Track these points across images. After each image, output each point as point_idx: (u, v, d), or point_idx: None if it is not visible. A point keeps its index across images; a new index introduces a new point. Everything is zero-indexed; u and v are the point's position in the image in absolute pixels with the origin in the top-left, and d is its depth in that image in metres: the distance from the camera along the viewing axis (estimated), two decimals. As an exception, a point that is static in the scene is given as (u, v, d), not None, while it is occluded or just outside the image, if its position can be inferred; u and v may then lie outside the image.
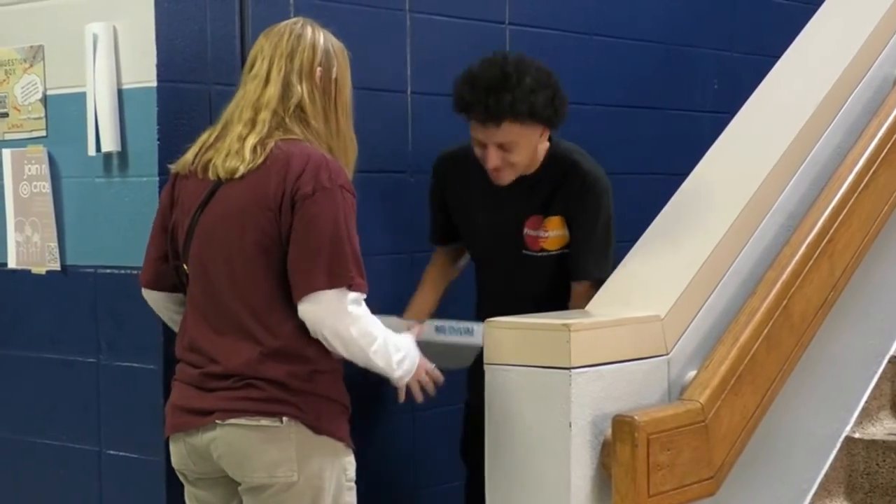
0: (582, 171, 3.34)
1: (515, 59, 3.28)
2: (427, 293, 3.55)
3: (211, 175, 2.77)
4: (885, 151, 3.26)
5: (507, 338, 2.74)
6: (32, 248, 3.37)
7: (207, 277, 2.77)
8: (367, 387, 3.52)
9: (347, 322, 2.67)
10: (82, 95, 3.27)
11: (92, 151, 3.26)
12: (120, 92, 3.24)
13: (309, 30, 2.86)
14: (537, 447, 2.68)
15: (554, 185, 3.36)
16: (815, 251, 3.05)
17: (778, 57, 3.51)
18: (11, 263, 3.46)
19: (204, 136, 2.87)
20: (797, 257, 3.03)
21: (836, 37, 3.47)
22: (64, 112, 3.35)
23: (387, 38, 3.67)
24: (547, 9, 3.53)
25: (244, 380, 2.66)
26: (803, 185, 3.21)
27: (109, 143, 3.22)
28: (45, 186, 3.34)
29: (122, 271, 3.26)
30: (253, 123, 2.76)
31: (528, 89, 3.20)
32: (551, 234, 3.35)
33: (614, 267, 3.18)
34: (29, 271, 3.37)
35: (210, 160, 2.78)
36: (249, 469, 2.69)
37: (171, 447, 2.88)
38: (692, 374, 2.86)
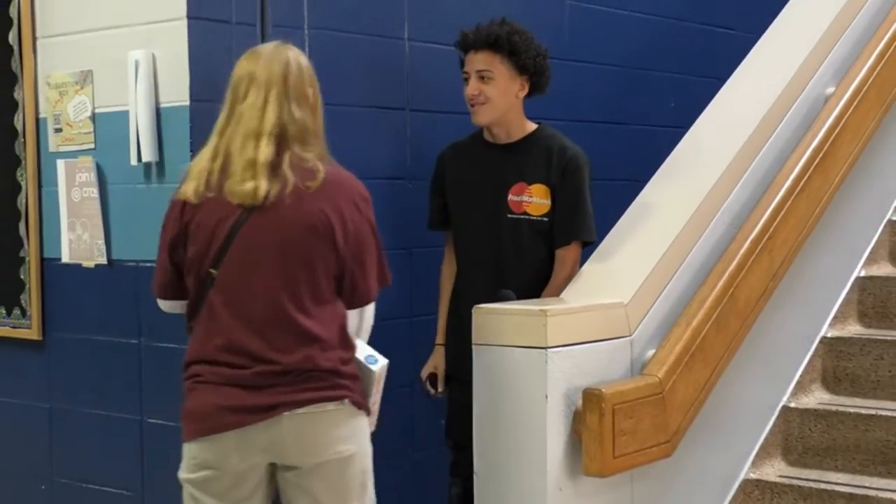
0: (567, 147, 3.33)
1: (515, 22, 3.32)
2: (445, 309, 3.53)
3: (236, 199, 2.59)
4: (817, 161, 3.29)
5: (492, 322, 2.76)
6: (83, 245, 3.38)
7: (249, 283, 2.62)
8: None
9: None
10: (125, 113, 3.28)
11: (134, 161, 3.27)
12: (158, 110, 3.25)
13: (292, 52, 2.73)
14: (518, 416, 2.69)
15: (539, 158, 3.33)
16: (757, 246, 3.07)
17: (726, 79, 3.52)
18: (65, 258, 3.48)
19: (204, 165, 2.66)
20: (742, 251, 3.05)
21: (776, 62, 3.49)
22: (110, 127, 3.36)
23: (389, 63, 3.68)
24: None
25: (304, 373, 2.58)
26: (747, 190, 3.23)
27: (149, 155, 3.24)
28: (94, 192, 3.36)
29: (146, 264, 3.23)
30: (262, 147, 2.61)
31: (515, 33, 3.26)
32: (535, 199, 3.30)
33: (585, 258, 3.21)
34: (80, 265, 3.38)
35: (234, 185, 2.60)
36: (316, 450, 2.63)
37: (201, 446, 2.64)
38: (651, 352, 2.88)
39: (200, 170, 2.64)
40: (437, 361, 3.46)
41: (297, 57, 2.73)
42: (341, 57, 3.52)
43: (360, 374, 2.73)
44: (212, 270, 2.63)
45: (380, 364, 2.75)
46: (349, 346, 2.69)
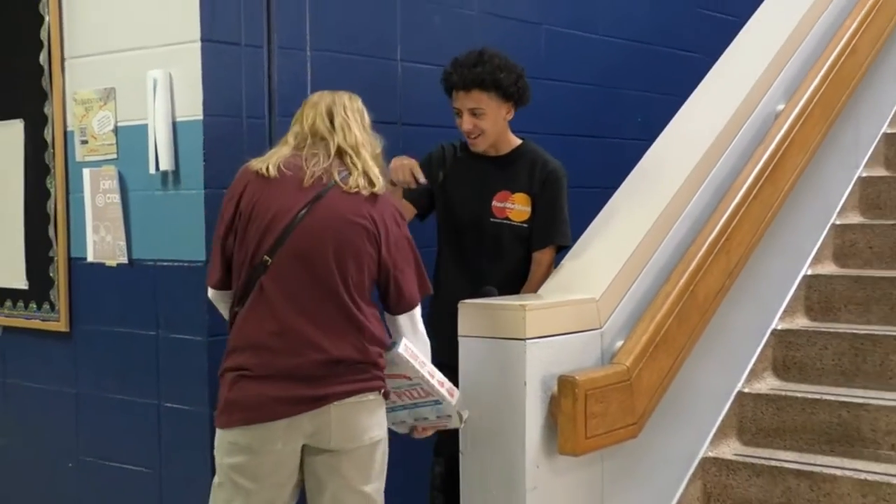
0: (548, 161, 3.33)
1: (490, 49, 3.27)
2: None
3: (310, 181, 2.59)
4: (768, 171, 3.28)
5: (477, 316, 2.75)
6: (106, 246, 3.36)
7: (315, 273, 2.56)
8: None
9: None
10: (145, 126, 3.26)
11: (152, 170, 3.26)
12: (174, 123, 3.23)
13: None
14: (500, 401, 2.68)
15: (523, 170, 3.32)
16: (714, 248, 3.07)
17: (687, 97, 3.51)
18: (90, 258, 3.46)
19: (280, 155, 2.67)
20: (701, 252, 3.04)
21: (731, 82, 3.49)
22: (130, 139, 3.34)
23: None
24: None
25: (353, 364, 2.56)
26: (706, 197, 3.22)
27: (166, 164, 3.22)
28: (116, 198, 3.34)
29: (176, 263, 3.26)
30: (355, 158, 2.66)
31: (495, 67, 3.21)
32: (517, 207, 3.29)
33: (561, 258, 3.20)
34: (103, 264, 3.36)
35: (321, 172, 2.61)
36: (355, 436, 2.60)
37: (244, 432, 2.57)
38: (620, 343, 2.87)
39: (283, 155, 2.70)
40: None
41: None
42: (340, 76, 3.50)
43: (395, 366, 2.70)
44: (265, 259, 2.58)
45: (399, 345, 2.69)
46: (385, 341, 2.65)
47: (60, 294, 3.55)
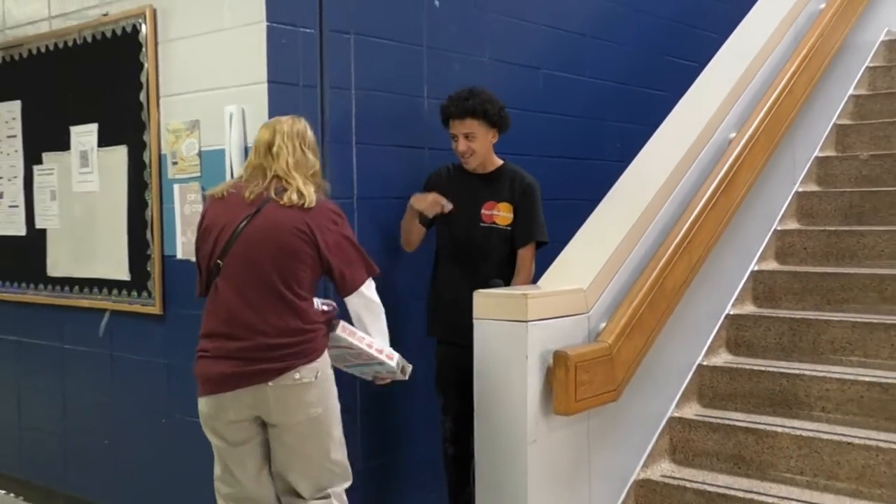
0: (525, 176, 3.39)
1: (478, 87, 3.34)
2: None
3: (251, 198, 2.65)
4: (723, 187, 3.26)
5: (489, 302, 2.74)
6: (191, 246, 3.34)
7: (257, 271, 2.60)
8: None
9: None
10: (223, 150, 3.27)
11: (229, 186, 3.25)
12: (245, 148, 3.22)
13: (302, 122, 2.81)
14: (506, 371, 2.68)
15: (505, 184, 3.37)
16: (680, 248, 3.05)
17: (657, 127, 3.50)
18: (179, 255, 3.47)
19: (230, 182, 2.80)
20: (669, 252, 3.02)
21: (694, 115, 3.47)
22: (211, 161, 3.34)
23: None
24: (510, 94, 3.51)
25: (291, 346, 2.60)
26: (673, 207, 3.20)
27: (240, 181, 3.22)
28: (199, 207, 3.32)
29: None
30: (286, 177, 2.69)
31: (483, 100, 3.28)
32: (501, 213, 3.35)
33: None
34: (189, 260, 3.34)
35: (260, 191, 2.66)
36: (292, 411, 2.64)
37: (207, 401, 2.66)
38: (603, 325, 2.86)
39: (230, 184, 2.84)
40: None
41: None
42: (378, 110, 3.51)
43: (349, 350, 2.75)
44: (218, 262, 2.64)
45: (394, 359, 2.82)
46: (320, 321, 2.67)
47: (155, 284, 3.57)
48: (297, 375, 2.59)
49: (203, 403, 2.68)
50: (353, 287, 2.73)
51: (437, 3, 3.73)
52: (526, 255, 3.34)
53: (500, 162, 3.43)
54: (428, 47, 3.70)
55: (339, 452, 2.75)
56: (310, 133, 2.80)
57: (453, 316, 3.16)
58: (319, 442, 2.69)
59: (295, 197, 2.63)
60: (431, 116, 3.62)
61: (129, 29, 3.60)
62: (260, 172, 2.70)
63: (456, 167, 3.44)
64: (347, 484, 2.80)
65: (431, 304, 3.46)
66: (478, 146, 3.31)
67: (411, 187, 3.52)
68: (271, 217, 2.62)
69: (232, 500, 2.73)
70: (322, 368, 2.66)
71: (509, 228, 3.34)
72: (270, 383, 2.57)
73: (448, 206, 3.30)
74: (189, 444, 3.18)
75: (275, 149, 2.70)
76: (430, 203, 3.29)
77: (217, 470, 2.75)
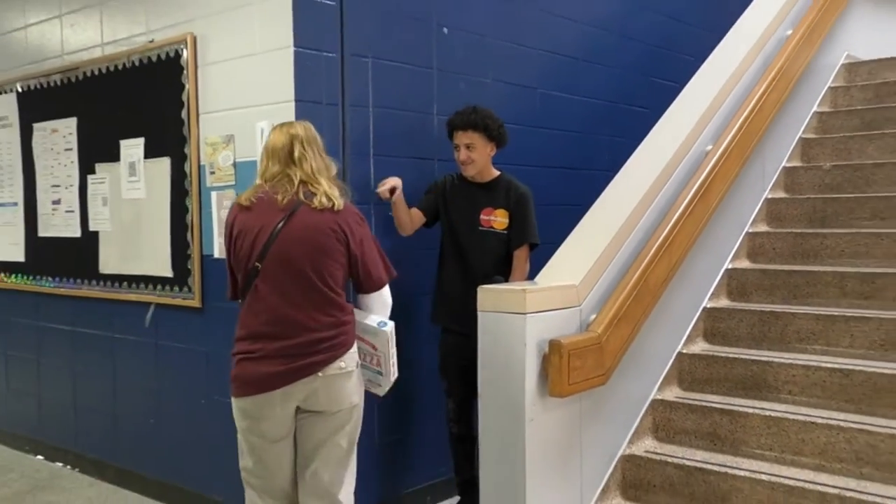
0: (519, 185, 3.41)
1: (481, 107, 3.38)
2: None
3: (283, 202, 2.51)
4: (700, 194, 3.25)
5: (491, 296, 2.73)
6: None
7: (296, 271, 2.49)
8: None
9: None
10: (254, 162, 3.27)
11: (261, 193, 3.27)
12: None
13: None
14: (507, 357, 2.67)
15: (501, 193, 3.39)
16: (661, 249, 3.05)
17: (641, 141, 3.49)
18: (215, 255, 3.49)
19: (256, 189, 2.60)
20: (651, 252, 3.02)
21: (674, 130, 3.47)
22: (245, 171, 3.36)
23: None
24: (510, 112, 3.52)
25: (332, 339, 2.53)
26: (655, 212, 3.19)
27: (270, 188, 3.23)
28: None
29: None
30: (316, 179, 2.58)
31: (484, 116, 3.33)
32: (497, 219, 3.37)
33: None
34: (224, 259, 3.38)
35: (291, 196, 2.53)
36: (339, 400, 2.57)
37: (254, 400, 2.50)
38: (593, 317, 2.85)
39: (256, 189, 2.66)
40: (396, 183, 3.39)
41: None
42: (392, 125, 3.53)
43: (375, 337, 2.64)
44: (257, 265, 2.50)
45: (389, 326, 2.68)
46: (352, 317, 2.62)
47: (195, 280, 3.58)
48: (342, 364, 2.54)
49: (246, 403, 2.51)
50: (377, 286, 2.67)
51: (445, 30, 3.74)
52: (521, 256, 3.37)
53: (497, 173, 3.45)
54: (437, 69, 3.71)
55: (354, 454, 2.69)
56: (319, 137, 2.70)
57: (455, 308, 3.21)
58: (353, 431, 2.64)
59: (325, 200, 2.53)
60: (440, 131, 3.63)
61: (171, 54, 3.62)
62: (286, 178, 2.57)
63: (459, 177, 3.46)
64: (352, 488, 2.72)
65: (436, 298, 3.49)
66: (476, 156, 3.33)
67: (421, 194, 3.54)
68: (305, 220, 2.52)
69: (262, 491, 2.62)
70: (356, 358, 2.62)
71: (505, 232, 3.36)
72: (320, 374, 2.50)
73: (391, 193, 3.30)
74: (225, 422, 3.19)
75: (296, 155, 2.57)
76: (382, 189, 3.33)
77: (248, 462, 2.61)
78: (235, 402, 2.55)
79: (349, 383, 2.58)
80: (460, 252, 3.39)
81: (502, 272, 3.34)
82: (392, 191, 3.33)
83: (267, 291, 2.50)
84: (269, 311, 2.49)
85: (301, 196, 2.54)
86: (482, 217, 3.38)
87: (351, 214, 2.62)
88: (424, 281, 3.58)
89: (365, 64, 3.41)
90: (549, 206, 3.56)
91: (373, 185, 3.43)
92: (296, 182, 2.55)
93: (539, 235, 3.41)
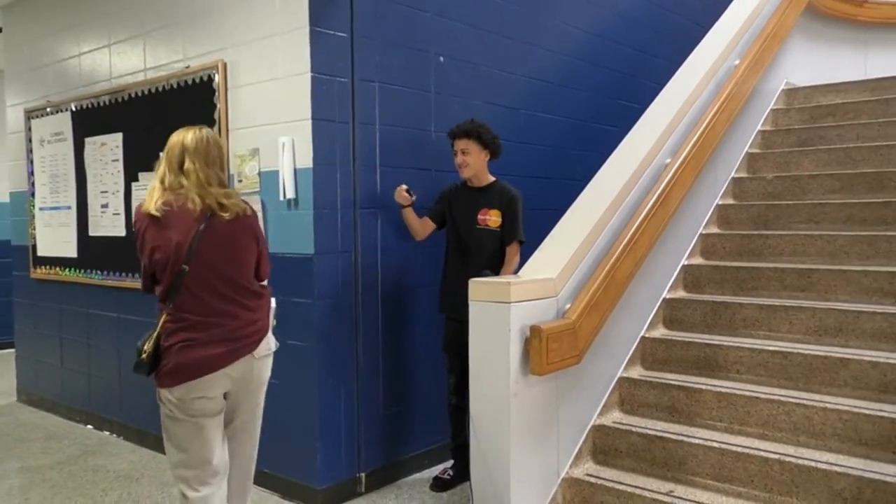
0: (511, 189, 3.39)
1: (479, 120, 3.38)
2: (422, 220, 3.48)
3: (200, 211, 2.31)
4: (660, 201, 3.25)
5: (480, 288, 2.71)
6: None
7: (221, 271, 2.34)
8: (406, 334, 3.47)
9: None
10: (277, 172, 3.25)
11: (281, 198, 3.23)
12: (295, 170, 3.21)
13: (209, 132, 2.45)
14: (494, 341, 2.66)
15: (495, 195, 3.37)
16: (627, 248, 3.04)
17: (609, 155, 3.48)
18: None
19: (162, 196, 2.34)
20: (618, 250, 3.01)
21: (637, 145, 3.45)
22: (268, 180, 3.32)
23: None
24: (497, 129, 3.49)
25: (257, 322, 2.43)
26: (622, 216, 3.18)
27: (290, 194, 3.21)
28: (260, 215, 3.29)
29: (295, 255, 3.22)
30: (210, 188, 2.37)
31: (479, 126, 3.33)
32: (492, 217, 3.35)
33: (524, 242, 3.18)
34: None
35: (202, 206, 2.32)
36: (264, 379, 2.49)
37: (199, 384, 2.32)
38: (568, 306, 2.84)
39: (162, 198, 2.37)
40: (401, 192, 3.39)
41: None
42: (396, 140, 3.50)
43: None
44: (184, 267, 2.31)
45: (273, 300, 2.57)
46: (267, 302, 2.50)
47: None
48: (269, 346, 2.48)
49: (189, 387, 2.33)
50: (267, 276, 2.54)
51: (441, 59, 3.72)
52: (511, 251, 3.34)
53: (493, 179, 3.43)
54: (434, 92, 3.69)
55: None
56: (212, 146, 2.41)
57: (457, 298, 3.15)
58: (262, 406, 2.57)
59: (230, 211, 2.35)
60: (437, 145, 3.62)
61: (205, 78, 3.58)
62: (183, 188, 2.34)
63: (462, 184, 3.45)
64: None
65: (442, 289, 3.47)
66: (471, 160, 3.33)
67: (421, 198, 3.52)
68: (219, 227, 2.34)
69: (198, 482, 2.39)
70: (274, 339, 2.53)
71: (499, 230, 3.34)
72: (255, 354, 2.41)
73: (407, 196, 3.35)
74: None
75: (187, 165, 2.35)
76: (398, 193, 3.37)
77: (183, 454, 2.38)
78: (174, 391, 2.34)
79: (270, 362, 2.51)
80: (461, 248, 3.37)
81: (497, 265, 3.32)
82: (409, 193, 3.37)
83: (197, 289, 2.33)
84: (203, 305, 2.33)
85: (213, 205, 2.35)
86: (479, 217, 3.36)
87: (254, 216, 2.48)
88: (426, 275, 3.58)
89: (372, 87, 3.38)
90: (531, 210, 3.53)
91: (378, 191, 3.41)
92: (194, 192, 2.34)
93: (526, 235, 3.38)
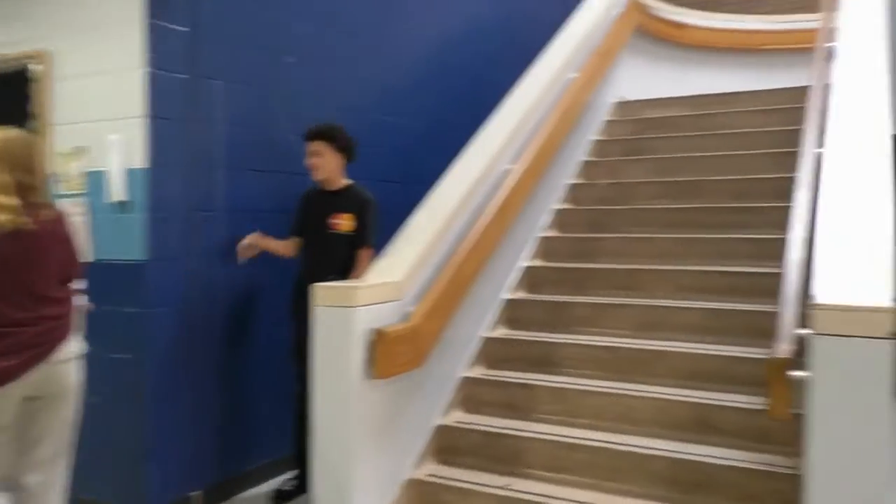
0: (365, 193, 3.38)
1: (335, 123, 3.35)
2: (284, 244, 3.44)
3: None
4: (500, 206, 3.35)
5: (326, 293, 2.67)
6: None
7: (25, 279, 2.25)
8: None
9: None
10: (104, 172, 3.05)
11: (110, 201, 3.04)
12: (126, 170, 3.01)
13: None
14: (338, 345, 2.63)
15: (349, 199, 3.34)
16: (470, 251, 3.10)
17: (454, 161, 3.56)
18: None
19: None
20: (461, 255, 3.07)
21: (481, 152, 3.55)
22: (95, 180, 3.10)
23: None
24: (355, 133, 3.46)
25: (62, 327, 2.34)
26: (465, 219, 3.24)
27: (120, 196, 3.02)
28: (82, 219, 3.08)
29: (122, 262, 3.04)
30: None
31: (332, 128, 3.31)
32: (344, 222, 3.32)
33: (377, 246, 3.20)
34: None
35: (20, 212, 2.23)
36: (69, 384, 2.38)
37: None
38: (412, 309, 2.85)
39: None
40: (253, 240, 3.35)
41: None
42: (242, 140, 3.34)
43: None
44: None
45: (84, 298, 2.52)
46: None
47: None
48: (73, 349, 2.36)
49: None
50: (78, 277, 2.46)
51: (290, 59, 3.63)
52: (363, 255, 3.30)
53: (349, 182, 3.39)
54: (283, 93, 3.60)
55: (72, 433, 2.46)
56: (15, 147, 2.29)
57: (308, 301, 3.07)
58: (76, 412, 2.44)
59: (35, 217, 2.26)
60: (284, 147, 3.53)
61: (24, 67, 3.27)
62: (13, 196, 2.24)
63: (317, 188, 3.40)
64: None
65: (293, 292, 3.38)
66: (322, 163, 3.30)
67: (268, 203, 3.43)
68: (21, 234, 2.23)
69: None
70: (80, 344, 2.41)
71: (352, 234, 3.31)
72: (53, 359, 2.30)
73: (249, 250, 3.30)
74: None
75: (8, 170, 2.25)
76: (242, 248, 3.30)
77: None
78: None
79: (75, 366, 2.39)
80: (314, 251, 3.33)
81: (347, 270, 3.28)
82: (251, 248, 3.30)
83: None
84: (3, 316, 2.21)
85: (36, 211, 2.27)
86: (331, 220, 3.31)
87: (63, 221, 2.39)
88: (270, 282, 3.49)
89: (217, 86, 3.24)
90: (382, 214, 3.52)
91: (222, 194, 3.27)
92: (15, 197, 2.24)
93: (378, 239, 3.36)
